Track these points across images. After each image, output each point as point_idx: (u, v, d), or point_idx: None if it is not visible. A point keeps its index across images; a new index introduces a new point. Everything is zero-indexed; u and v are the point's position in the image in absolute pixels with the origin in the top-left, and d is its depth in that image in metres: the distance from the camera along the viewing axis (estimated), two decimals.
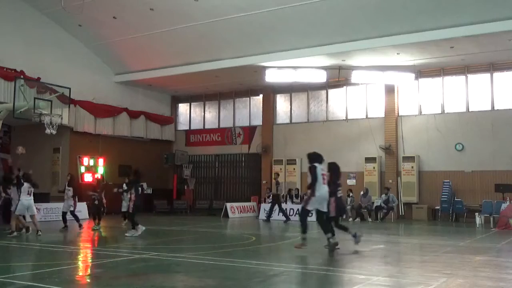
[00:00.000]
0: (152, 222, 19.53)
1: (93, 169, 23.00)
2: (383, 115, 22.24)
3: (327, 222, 10.45)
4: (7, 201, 14.92)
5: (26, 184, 13.54)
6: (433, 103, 21.51)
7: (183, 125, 28.28)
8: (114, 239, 14.07)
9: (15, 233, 13.31)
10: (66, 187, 15.57)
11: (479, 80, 20.73)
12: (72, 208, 15.56)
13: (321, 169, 10.44)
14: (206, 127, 27.46)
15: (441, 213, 20.24)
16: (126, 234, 13.59)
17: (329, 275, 8.28)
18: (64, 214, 15.64)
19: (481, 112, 20.43)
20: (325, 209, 10.35)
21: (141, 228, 13.68)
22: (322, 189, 10.28)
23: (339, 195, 10.91)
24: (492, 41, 17.41)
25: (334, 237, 10.28)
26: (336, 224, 10.97)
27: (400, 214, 21.37)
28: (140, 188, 14.11)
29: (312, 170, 10.34)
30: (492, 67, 20.35)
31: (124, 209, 15.71)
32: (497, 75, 20.42)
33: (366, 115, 22.80)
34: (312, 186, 10.25)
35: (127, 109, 24.60)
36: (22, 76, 18.66)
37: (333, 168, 11.13)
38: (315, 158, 10.65)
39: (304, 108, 24.55)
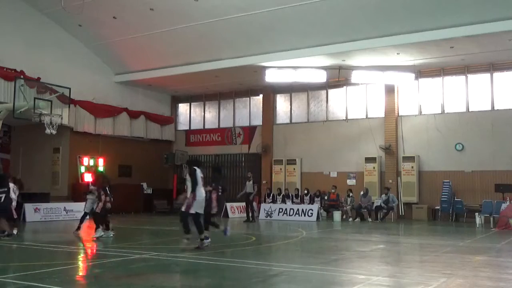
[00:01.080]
0: (152, 222, 19.55)
1: (93, 169, 22.99)
2: (383, 115, 22.25)
3: (201, 223, 10.79)
4: None
5: None
6: (433, 103, 21.52)
7: (183, 125, 28.29)
8: (114, 239, 14.05)
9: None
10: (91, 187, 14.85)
11: (479, 80, 20.74)
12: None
13: (200, 172, 10.79)
14: (206, 127, 27.46)
15: (441, 213, 20.24)
16: (95, 235, 12.96)
17: (329, 275, 8.27)
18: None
19: (481, 112, 20.43)
20: (202, 211, 10.78)
21: (105, 232, 13.11)
22: (202, 192, 10.69)
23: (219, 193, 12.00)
24: (492, 41, 17.42)
25: (208, 240, 10.72)
26: (209, 220, 11.39)
27: (400, 214, 21.37)
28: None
29: (192, 173, 10.62)
30: (492, 67, 20.36)
31: (87, 210, 14.28)
32: (497, 75, 20.43)
33: (366, 115, 22.80)
34: (193, 189, 10.52)
35: (127, 109, 24.61)
36: (22, 76, 18.66)
37: (217, 169, 13.75)
38: (193, 162, 11.18)
39: (304, 108, 24.55)
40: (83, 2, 18.16)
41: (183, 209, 10.68)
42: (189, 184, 10.66)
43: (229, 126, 26.50)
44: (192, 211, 10.58)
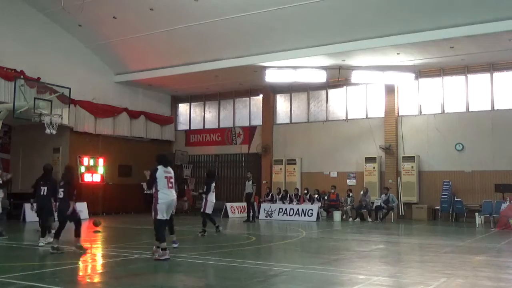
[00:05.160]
0: (152, 222, 19.51)
1: (93, 169, 23.01)
2: (383, 115, 22.25)
3: (163, 230, 9.58)
4: None
5: None
6: (433, 103, 21.52)
7: (183, 125, 28.28)
8: (114, 239, 14.06)
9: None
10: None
11: (479, 80, 20.74)
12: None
13: (165, 171, 9.54)
14: (206, 127, 27.46)
15: (441, 213, 20.24)
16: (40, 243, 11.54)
17: (329, 275, 8.27)
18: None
19: (481, 112, 20.43)
20: (167, 217, 9.66)
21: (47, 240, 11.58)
22: (167, 195, 9.48)
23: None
24: (492, 41, 17.41)
25: (166, 249, 9.37)
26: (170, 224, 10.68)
27: (400, 214, 21.37)
28: (43, 188, 11.63)
29: (153, 173, 9.50)
30: (492, 67, 20.36)
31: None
32: (497, 75, 20.43)
33: (366, 115, 22.80)
34: (155, 192, 9.45)
35: (127, 109, 24.60)
36: (22, 76, 18.65)
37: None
38: (161, 160, 9.77)
39: (304, 108, 24.55)
40: (83, 2, 18.14)
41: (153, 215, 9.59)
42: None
43: (229, 126, 26.50)
44: (160, 216, 9.45)
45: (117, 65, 23.83)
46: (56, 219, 11.33)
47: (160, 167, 9.55)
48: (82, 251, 10.51)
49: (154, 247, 9.59)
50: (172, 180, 9.66)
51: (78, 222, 10.81)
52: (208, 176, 15.07)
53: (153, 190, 9.52)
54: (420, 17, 16.74)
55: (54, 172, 12.89)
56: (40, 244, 11.40)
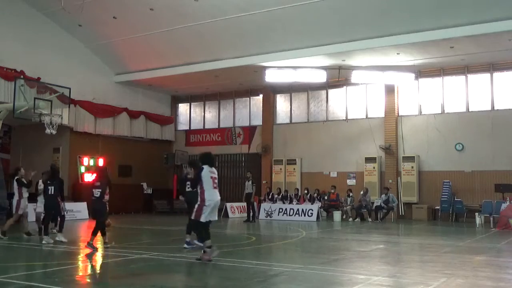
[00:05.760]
0: (152, 222, 19.54)
1: (93, 169, 22.99)
2: (383, 115, 22.25)
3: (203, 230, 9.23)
4: None
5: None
6: (433, 103, 21.52)
7: (183, 125, 28.29)
8: (114, 239, 14.04)
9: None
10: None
11: (479, 80, 20.74)
12: None
13: (210, 171, 9.25)
14: (206, 127, 27.46)
15: (441, 213, 20.24)
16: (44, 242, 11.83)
17: (329, 275, 8.27)
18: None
19: (481, 112, 20.43)
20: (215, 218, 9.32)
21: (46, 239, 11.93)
22: (214, 196, 9.14)
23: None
24: (492, 41, 17.41)
25: (211, 247, 9.15)
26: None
27: (400, 214, 21.37)
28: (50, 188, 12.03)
29: (198, 172, 9.23)
30: (492, 67, 20.36)
31: (39, 209, 13.24)
32: (497, 75, 20.43)
33: (366, 115, 22.80)
34: (201, 192, 9.05)
35: (127, 109, 24.60)
36: (22, 76, 18.65)
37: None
38: (206, 159, 9.49)
39: (304, 108, 24.55)
40: (83, 2, 18.16)
41: (193, 217, 9.25)
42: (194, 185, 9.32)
43: (229, 126, 26.50)
44: (203, 219, 9.09)
45: (117, 65, 23.83)
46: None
47: (206, 167, 9.23)
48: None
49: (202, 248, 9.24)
50: (217, 181, 9.34)
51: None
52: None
53: (198, 190, 9.10)
54: (420, 17, 16.74)
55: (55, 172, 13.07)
56: (58, 238, 11.94)
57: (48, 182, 12.07)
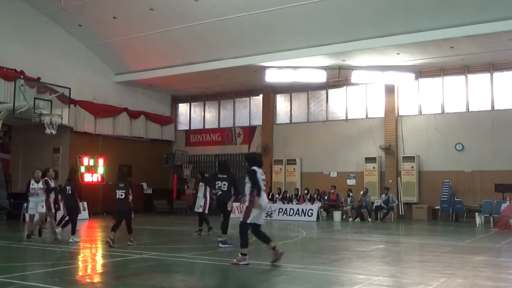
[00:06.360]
0: (152, 222, 19.54)
1: (93, 169, 23.00)
2: (383, 115, 22.25)
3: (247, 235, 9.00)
4: None
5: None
6: (433, 103, 21.52)
7: (183, 125, 28.29)
8: (115, 240, 14.03)
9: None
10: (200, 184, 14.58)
11: (479, 80, 20.74)
12: (200, 209, 14.16)
13: (261, 173, 9.10)
14: (206, 127, 27.46)
15: (441, 213, 20.24)
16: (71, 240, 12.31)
17: (329, 275, 8.27)
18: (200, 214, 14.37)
19: (481, 112, 20.43)
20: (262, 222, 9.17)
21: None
22: (264, 199, 9.06)
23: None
24: (492, 41, 17.41)
25: (246, 254, 8.89)
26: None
27: (400, 214, 21.37)
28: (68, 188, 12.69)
29: (253, 176, 8.94)
30: (492, 67, 20.36)
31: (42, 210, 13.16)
32: (497, 75, 20.43)
33: (366, 115, 22.80)
34: (255, 193, 8.81)
35: (127, 109, 24.60)
36: (22, 76, 18.65)
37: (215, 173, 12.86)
38: (255, 161, 9.29)
39: (304, 108, 24.55)
40: (83, 2, 18.16)
41: (243, 220, 8.97)
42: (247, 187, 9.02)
43: (229, 126, 26.50)
44: (255, 220, 8.94)
45: (117, 65, 23.83)
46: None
47: (257, 169, 9.03)
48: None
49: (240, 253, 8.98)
50: (265, 183, 9.21)
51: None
52: (203, 176, 15.00)
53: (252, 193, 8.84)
54: (420, 17, 16.74)
55: (55, 172, 13.17)
56: (71, 240, 12.20)
57: (66, 182, 12.70)
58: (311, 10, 17.31)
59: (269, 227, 18.29)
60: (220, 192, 11.75)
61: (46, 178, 13.05)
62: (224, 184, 11.70)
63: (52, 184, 13.22)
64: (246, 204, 8.95)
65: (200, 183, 14.59)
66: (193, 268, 9.00)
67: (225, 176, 11.92)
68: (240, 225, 9.01)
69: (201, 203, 14.26)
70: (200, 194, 14.36)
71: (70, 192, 12.46)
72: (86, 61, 22.93)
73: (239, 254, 8.92)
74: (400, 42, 17.87)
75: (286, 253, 9.34)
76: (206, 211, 14.20)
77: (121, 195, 11.70)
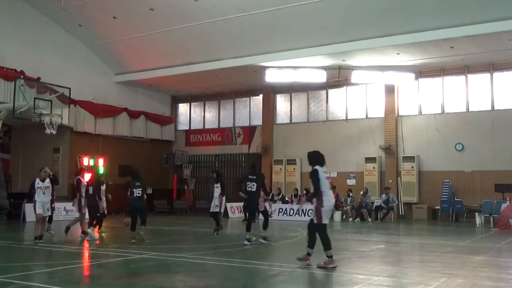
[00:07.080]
0: (152, 222, 19.52)
1: (93, 169, 22.98)
2: (383, 115, 22.25)
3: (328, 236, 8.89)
4: None
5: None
6: (433, 103, 21.52)
7: (183, 125, 28.29)
8: (114, 239, 14.05)
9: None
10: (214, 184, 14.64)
11: (479, 80, 20.74)
12: (217, 209, 14.38)
13: (324, 171, 8.92)
14: (206, 127, 27.46)
15: (441, 213, 20.24)
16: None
17: (329, 275, 8.27)
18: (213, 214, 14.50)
19: (481, 112, 20.43)
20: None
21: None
22: (330, 197, 8.87)
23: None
24: (492, 41, 17.41)
25: (332, 256, 8.74)
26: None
27: (400, 214, 21.37)
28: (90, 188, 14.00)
29: (315, 175, 8.78)
30: (492, 67, 20.36)
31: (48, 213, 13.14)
32: (497, 75, 20.43)
33: (366, 115, 22.80)
34: (319, 194, 8.66)
35: (127, 109, 24.60)
36: (22, 76, 18.65)
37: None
38: (316, 159, 9.11)
39: (304, 108, 24.55)
40: (83, 2, 18.17)
41: (316, 221, 8.79)
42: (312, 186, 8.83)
43: (229, 126, 26.50)
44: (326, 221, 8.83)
45: (117, 65, 23.83)
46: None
47: (319, 168, 8.85)
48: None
49: (304, 254, 8.86)
50: (330, 181, 9.04)
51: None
52: (219, 176, 15.16)
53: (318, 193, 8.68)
54: (420, 17, 16.74)
55: (55, 171, 13.25)
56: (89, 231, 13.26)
57: (88, 182, 13.98)
58: (311, 10, 17.31)
59: (269, 227, 18.27)
60: (246, 196, 12.30)
61: (53, 173, 12.99)
62: (253, 185, 12.12)
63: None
64: (314, 205, 8.75)
65: (216, 184, 14.61)
66: (193, 268, 9.00)
67: (254, 177, 12.28)
68: (316, 229, 8.81)
69: (217, 203, 14.36)
70: (216, 194, 14.41)
71: (92, 192, 13.53)
72: (86, 61, 22.93)
73: (325, 257, 8.63)
74: (400, 42, 17.87)
75: (286, 253, 9.33)
76: (222, 211, 14.45)
77: (139, 193, 12.12)
